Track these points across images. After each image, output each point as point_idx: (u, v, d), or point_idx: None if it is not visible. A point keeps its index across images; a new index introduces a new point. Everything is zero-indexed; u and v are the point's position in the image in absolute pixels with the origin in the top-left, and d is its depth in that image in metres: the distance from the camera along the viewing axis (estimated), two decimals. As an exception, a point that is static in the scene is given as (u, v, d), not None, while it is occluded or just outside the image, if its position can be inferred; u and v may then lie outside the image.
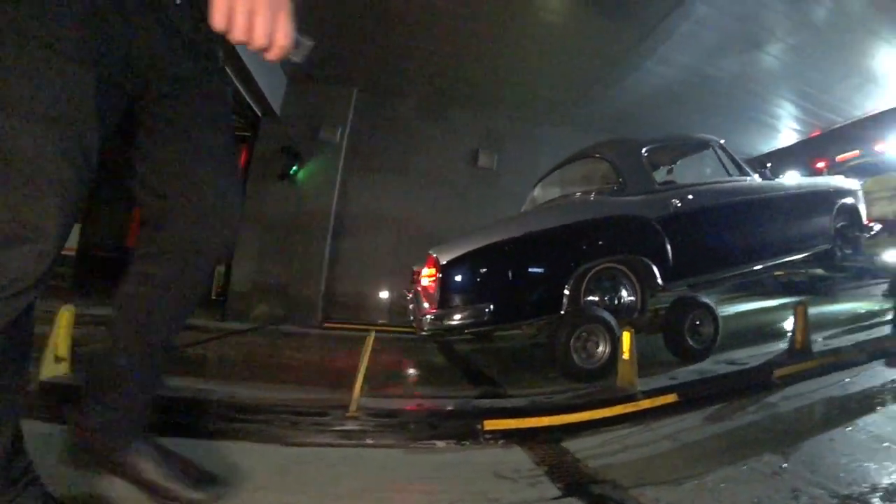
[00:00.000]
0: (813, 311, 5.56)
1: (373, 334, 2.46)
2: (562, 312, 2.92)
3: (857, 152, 7.52)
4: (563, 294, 2.92)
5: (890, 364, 2.70)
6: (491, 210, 6.83)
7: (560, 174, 4.50)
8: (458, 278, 2.88)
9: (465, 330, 2.92)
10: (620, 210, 3.24)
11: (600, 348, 2.89)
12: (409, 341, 5.32)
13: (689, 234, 3.31)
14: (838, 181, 5.29)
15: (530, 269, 3.01)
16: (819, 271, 5.96)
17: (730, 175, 3.85)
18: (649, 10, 4.80)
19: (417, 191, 6.76)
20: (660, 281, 3.16)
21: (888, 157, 7.09)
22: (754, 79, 6.35)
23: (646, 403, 2.22)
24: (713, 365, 2.82)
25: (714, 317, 3.26)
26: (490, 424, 2.03)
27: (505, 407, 2.32)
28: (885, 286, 6.74)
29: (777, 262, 4.07)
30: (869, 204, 6.17)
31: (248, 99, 5.61)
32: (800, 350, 2.71)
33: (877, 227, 5.49)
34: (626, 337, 2.35)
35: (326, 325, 5.95)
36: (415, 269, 4.01)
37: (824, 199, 4.50)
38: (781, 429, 1.95)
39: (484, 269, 2.93)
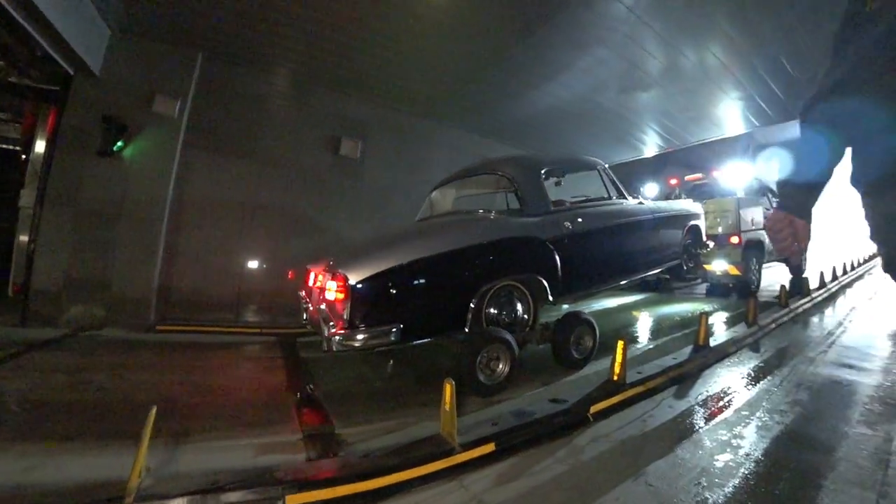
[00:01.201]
0: (655, 310, 6.54)
1: (154, 410, 1.97)
2: (466, 329, 3.00)
3: (699, 175, 8.76)
4: (468, 311, 2.99)
5: (679, 394, 2.98)
6: (353, 201, 6.51)
7: (462, 184, 4.53)
8: (368, 299, 2.76)
9: (374, 349, 2.84)
10: (521, 231, 3.38)
11: (501, 366, 3.06)
12: (255, 345, 4.81)
13: (576, 254, 3.58)
14: (688, 205, 6.12)
15: (439, 289, 3.00)
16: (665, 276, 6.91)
17: (609, 196, 4.27)
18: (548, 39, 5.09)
19: (271, 177, 6.01)
20: (550, 297, 3.39)
21: (722, 184, 8.32)
22: (631, 108, 7.10)
23: (461, 457, 2.11)
24: (539, 402, 2.84)
25: (594, 331, 3.70)
26: (293, 500, 1.88)
27: (310, 476, 2.04)
28: (706, 287, 8.15)
29: (642, 275, 4.62)
30: (706, 221, 7.36)
31: (49, 51, 4.43)
32: (616, 382, 2.85)
33: (711, 243, 6.48)
34: (448, 388, 2.21)
35: (160, 328, 5.06)
36: (309, 268, 3.79)
37: (678, 221, 5.19)
38: (579, 483, 1.96)
39: (394, 290, 2.83)
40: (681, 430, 2.44)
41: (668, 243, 4.97)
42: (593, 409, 2.58)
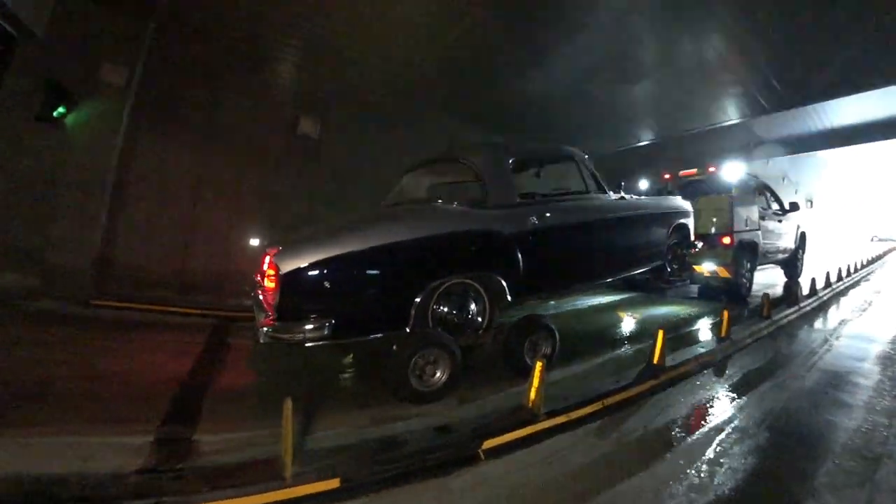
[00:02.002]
0: (633, 312, 5.93)
1: None
2: (407, 329, 2.67)
3: (694, 171, 7.95)
4: (411, 310, 2.66)
5: (607, 430, 2.39)
6: (312, 183, 5.99)
7: (427, 172, 4.14)
8: (299, 290, 2.47)
9: (305, 344, 2.46)
10: (479, 224, 2.99)
11: (438, 373, 2.65)
12: (187, 327, 4.33)
13: (542, 252, 3.17)
14: (677, 202, 5.49)
15: (379, 284, 2.66)
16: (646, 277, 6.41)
17: (588, 190, 3.78)
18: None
19: (224, 155, 5.48)
20: (509, 297, 3.01)
21: (718, 179, 7.52)
22: (621, 97, 6.54)
23: (293, 492, 1.65)
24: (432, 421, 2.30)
25: (553, 337, 3.20)
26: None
27: (97, 495, 1.61)
28: (697, 288, 7.33)
29: (618, 277, 4.18)
30: (697, 220, 6.73)
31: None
32: (529, 410, 2.29)
33: (699, 244, 5.89)
34: (286, 407, 1.71)
35: (95, 303, 4.57)
36: (267, 250, 3.34)
37: (663, 220, 4.65)
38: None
39: (328, 282, 2.51)
40: (590, 481, 1.88)
41: (650, 243, 4.44)
42: (488, 443, 2.04)
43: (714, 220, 6.76)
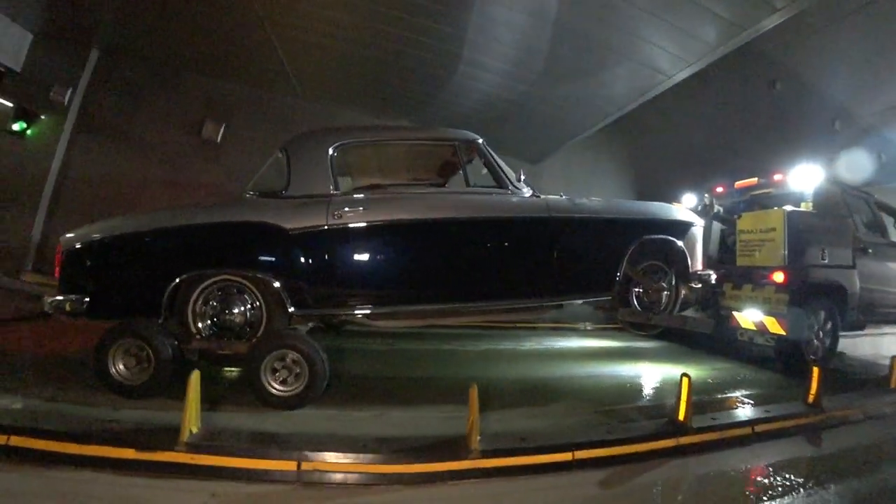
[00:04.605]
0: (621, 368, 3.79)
1: None
2: (160, 320, 2.54)
3: (755, 180, 5.36)
4: (161, 301, 2.50)
5: None
6: (210, 185, 5.66)
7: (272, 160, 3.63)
8: (71, 268, 2.58)
9: (73, 318, 2.56)
10: (249, 215, 2.60)
11: (146, 371, 2.42)
12: None
13: (351, 255, 2.63)
14: (646, 207, 3.65)
15: (130, 269, 2.61)
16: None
17: (468, 185, 2.92)
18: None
19: (136, 160, 5.55)
20: (291, 307, 2.53)
21: (788, 191, 4.91)
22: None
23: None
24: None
25: (310, 361, 2.41)
26: None
27: None
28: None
29: (511, 305, 2.97)
30: (740, 247, 4.40)
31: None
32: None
33: (711, 274, 3.69)
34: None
35: (23, 278, 4.76)
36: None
37: (612, 232, 3.21)
38: None
39: (90, 262, 2.58)
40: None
41: (582, 264, 3.03)
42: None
43: (760, 245, 4.32)
